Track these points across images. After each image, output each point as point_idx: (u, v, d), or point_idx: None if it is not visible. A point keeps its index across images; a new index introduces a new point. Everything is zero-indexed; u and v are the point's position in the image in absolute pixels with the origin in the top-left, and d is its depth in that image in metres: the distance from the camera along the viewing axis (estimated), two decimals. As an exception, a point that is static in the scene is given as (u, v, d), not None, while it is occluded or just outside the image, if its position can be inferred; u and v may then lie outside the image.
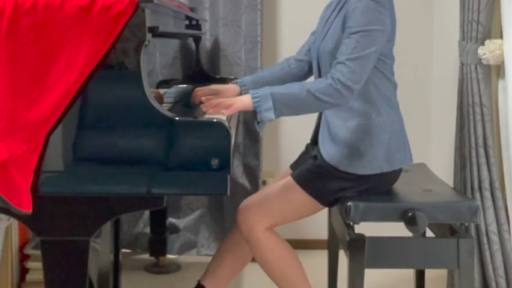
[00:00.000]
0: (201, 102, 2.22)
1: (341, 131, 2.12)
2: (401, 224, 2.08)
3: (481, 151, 2.53)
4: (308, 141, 2.38)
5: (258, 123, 1.97)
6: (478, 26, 2.50)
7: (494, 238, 2.52)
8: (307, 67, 2.34)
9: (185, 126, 1.67)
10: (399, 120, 2.18)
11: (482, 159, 2.53)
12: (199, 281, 2.26)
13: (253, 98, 1.96)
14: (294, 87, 2.00)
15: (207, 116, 1.92)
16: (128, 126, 1.66)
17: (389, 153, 2.12)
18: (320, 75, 2.18)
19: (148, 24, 1.67)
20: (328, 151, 2.13)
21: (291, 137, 3.31)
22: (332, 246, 2.65)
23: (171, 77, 2.84)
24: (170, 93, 2.53)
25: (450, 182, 2.60)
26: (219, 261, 2.26)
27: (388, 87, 2.15)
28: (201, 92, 2.24)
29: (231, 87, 2.29)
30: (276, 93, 1.96)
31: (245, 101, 1.97)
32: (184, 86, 2.96)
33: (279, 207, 2.14)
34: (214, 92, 2.24)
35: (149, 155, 1.66)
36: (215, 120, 1.68)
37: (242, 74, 3.18)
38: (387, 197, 2.15)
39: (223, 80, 3.12)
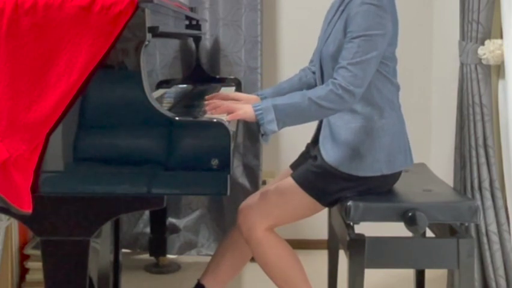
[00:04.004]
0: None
1: (342, 132, 2.11)
2: (401, 224, 2.08)
3: (481, 151, 2.53)
4: (308, 141, 2.38)
5: (262, 135, 1.97)
6: (478, 26, 2.50)
7: (494, 238, 2.52)
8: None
9: (185, 126, 1.67)
10: (400, 122, 2.18)
11: (482, 159, 2.53)
12: (198, 281, 2.26)
13: (255, 110, 1.96)
14: (295, 97, 2.00)
15: (207, 116, 1.92)
16: (128, 126, 1.66)
17: (390, 155, 2.12)
18: (322, 78, 2.18)
19: (148, 24, 1.67)
20: (328, 152, 2.13)
21: (291, 137, 3.31)
22: (332, 246, 2.65)
23: (171, 77, 2.85)
24: (170, 93, 2.54)
25: (450, 182, 2.60)
26: (219, 261, 2.26)
27: (390, 89, 2.14)
28: (219, 96, 2.22)
29: (252, 97, 2.26)
30: (278, 105, 1.96)
31: (248, 112, 1.96)
32: (184, 86, 2.96)
33: (279, 208, 2.14)
34: (236, 98, 2.22)
35: (149, 155, 1.66)
36: (215, 120, 1.68)
37: (242, 74, 3.18)
38: (387, 197, 2.15)
39: (223, 80, 3.12)
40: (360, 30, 1.99)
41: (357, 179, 2.11)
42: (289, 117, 1.97)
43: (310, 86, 2.31)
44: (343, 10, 2.08)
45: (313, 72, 2.35)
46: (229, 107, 1.98)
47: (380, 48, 2.02)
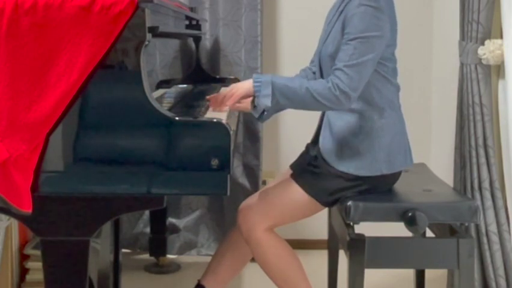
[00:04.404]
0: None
1: (342, 132, 2.12)
2: (401, 224, 2.08)
3: (481, 151, 2.53)
4: (308, 141, 2.38)
5: (255, 107, 1.99)
6: (478, 26, 2.50)
7: (494, 238, 2.51)
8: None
9: (185, 126, 1.67)
10: (400, 122, 2.18)
11: (482, 159, 2.53)
12: (199, 281, 2.26)
13: (254, 81, 1.99)
14: (295, 81, 2.03)
15: (206, 116, 1.93)
16: (128, 126, 1.66)
17: (390, 155, 2.12)
18: (322, 77, 2.18)
19: (148, 24, 1.67)
20: (328, 151, 2.13)
21: (291, 137, 3.31)
22: (332, 246, 2.65)
23: (171, 77, 2.84)
24: (170, 93, 2.54)
25: (450, 182, 2.60)
26: (219, 261, 2.26)
27: (390, 89, 2.14)
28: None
29: None
30: (276, 83, 1.99)
31: (246, 86, 2.01)
32: (184, 86, 2.96)
33: (279, 208, 2.14)
34: None
35: (149, 155, 1.66)
36: (215, 120, 1.68)
37: (242, 74, 3.18)
38: (387, 197, 2.15)
39: (223, 80, 3.12)
40: (357, 32, 2.00)
41: (357, 179, 2.11)
42: (284, 97, 2.00)
43: None
44: (342, 11, 2.09)
45: (314, 73, 2.36)
46: (229, 94, 2.01)
47: (377, 50, 2.02)
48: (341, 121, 2.12)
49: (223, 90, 2.26)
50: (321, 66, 2.18)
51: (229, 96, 2.01)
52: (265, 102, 1.98)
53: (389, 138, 2.12)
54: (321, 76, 2.19)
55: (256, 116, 2.05)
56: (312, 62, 2.40)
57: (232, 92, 2.02)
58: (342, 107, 2.02)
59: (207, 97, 2.14)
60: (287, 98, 2.00)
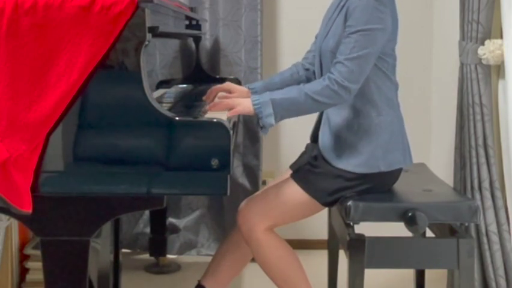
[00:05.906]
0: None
1: (340, 129, 2.12)
2: (401, 224, 2.08)
3: (481, 151, 2.53)
4: (308, 141, 2.38)
5: (261, 128, 1.99)
6: (478, 26, 2.50)
7: (494, 238, 2.51)
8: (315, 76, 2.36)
9: (185, 126, 1.67)
10: (399, 120, 2.18)
11: (482, 159, 2.53)
12: (199, 282, 2.26)
13: (254, 104, 1.99)
14: (293, 91, 2.03)
15: (207, 116, 1.92)
16: (128, 126, 1.66)
17: (388, 153, 2.12)
18: (321, 73, 2.19)
19: (148, 24, 1.67)
20: (327, 148, 2.13)
21: (291, 137, 3.31)
22: (332, 246, 2.65)
23: (171, 77, 2.85)
24: (170, 93, 2.54)
25: (450, 182, 2.60)
26: (219, 262, 2.26)
27: (389, 87, 2.15)
28: (215, 89, 2.25)
29: (242, 89, 2.30)
30: (275, 99, 1.99)
31: (247, 106, 2.00)
32: (184, 86, 2.96)
33: (278, 208, 2.14)
34: (229, 89, 2.26)
35: (149, 155, 1.66)
36: (215, 120, 1.68)
37: (242, 74, 3.19)
38: (387, 197, 2.15)
39: (223, 80, 3.12)
40: (358, 25, 2.00)
41: (356, 177, 2.11)
42: (286, 111, 2.00)
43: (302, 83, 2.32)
44: (343, 6, 2.09)
45: (306, 69, 2.37)
46: (228, 103, 2.00)
47: (378, 43, 2.02)
48: (339, 118, 2.13)
49: (229, 84, 2.27)
50: (322, 62, 2.18)
51: (228, 105, 2.00)
52: (270, 121, 1.98)
53: (386, 136, 2.12)
54: (321, 71, 2.19)
55: (264, 134, 2.05)
56: (305, 58, 2.41)
57: (232, 104, 2.00)
58: (344, 100, 2.03)
59: (204, 98, 2.14)
60: (289, 110, 2.00)
